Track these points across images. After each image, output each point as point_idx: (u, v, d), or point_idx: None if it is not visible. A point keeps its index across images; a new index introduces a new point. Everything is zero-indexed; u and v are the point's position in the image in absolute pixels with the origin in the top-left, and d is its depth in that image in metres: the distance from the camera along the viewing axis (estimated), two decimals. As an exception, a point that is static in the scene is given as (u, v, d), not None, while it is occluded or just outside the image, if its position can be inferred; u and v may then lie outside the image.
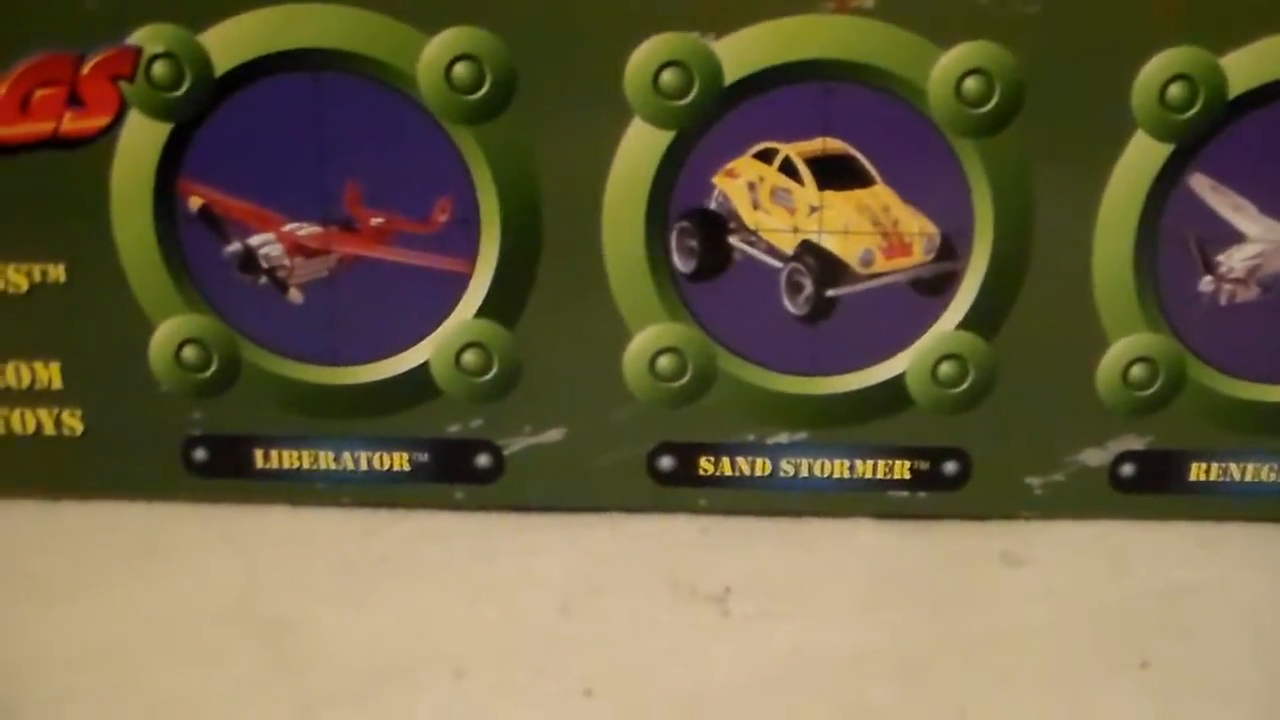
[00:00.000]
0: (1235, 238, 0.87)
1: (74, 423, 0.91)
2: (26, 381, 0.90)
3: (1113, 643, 0.83)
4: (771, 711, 0.79)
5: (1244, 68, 0.84)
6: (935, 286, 0.87)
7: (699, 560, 0.87)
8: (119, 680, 0.82)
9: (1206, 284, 0.87)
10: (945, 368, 0.88)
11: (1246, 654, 0.82)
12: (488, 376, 0.88)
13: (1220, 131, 0.85)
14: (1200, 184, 0.85)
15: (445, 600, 0.85)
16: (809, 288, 0.86)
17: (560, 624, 0.83)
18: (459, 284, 0.87)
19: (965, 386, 0.88)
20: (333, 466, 0.90)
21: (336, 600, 0.85)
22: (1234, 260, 0.87)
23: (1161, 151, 0.84)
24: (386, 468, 0.91)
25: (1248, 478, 0.91)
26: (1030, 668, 0.81)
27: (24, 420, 0.91)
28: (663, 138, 0.84)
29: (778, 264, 0.86)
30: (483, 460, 0.90)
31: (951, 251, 0.86)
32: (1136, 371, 0.88)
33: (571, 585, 0.86)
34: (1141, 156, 0.85)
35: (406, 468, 0.90)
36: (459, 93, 0.83)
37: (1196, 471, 0.91)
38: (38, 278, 0.88)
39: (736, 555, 0.88)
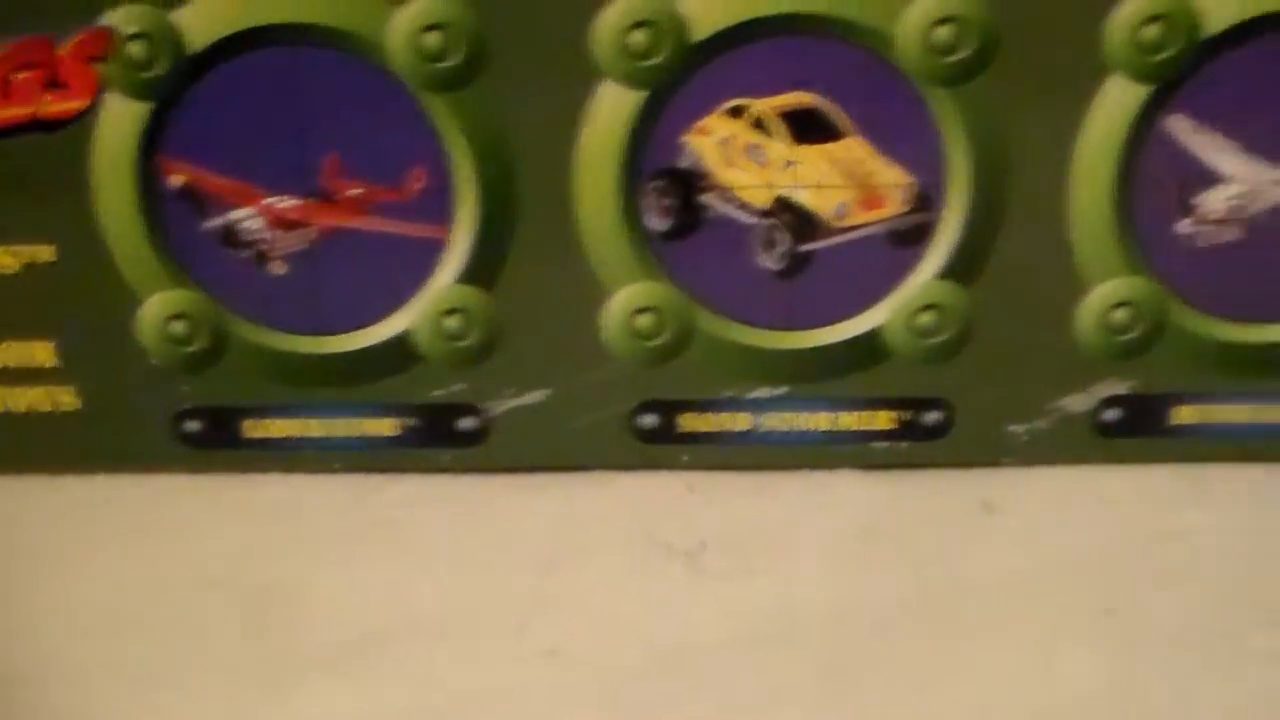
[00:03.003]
0: (1216, 179, 0.82)
1: (70, 399, 0.88)
2: (22, 360, 0.86)
3: (1084, 590, 0.80)
4: (744, 667, 0.77)
5: (1218, 6, 0.79)
6: (911, 238, 0.83)
7: (681, 517, 0.85)
8: (116, 648, 0.81)
9: (1186, 226, 0.83)
10: (924, 318, 0.84)
11: (1218, 601, 0.79)
12: (468, 341, 0.85)
13: (1197, 72, 0.80)
14: (1179, 125, 0.81)
15: (430, 564, 0.83)
16: (784, 243, 0.83)
17: (542, 584, 0.81)
18: (437, 251, 0.84)
19: (944, 336, 0.85)
20: (321, 434, 0.88)
21: (325, 566, 0.83)
22: (1213, 202, 0.82)
23: (1138, 93, 0.81)
24: (374, 434, 0.88)
25: (1233, 419, 0.87)
26: (1001, 617, 0.79)
27: (21, 398, 0.87)
28: (634, 98, 0.81)
29: (752, 220, 0.83)
30: (467, 423, 0.87)
31: (927, 202, 0.82)
32: (1117, 316, 0.84)
33: (555, 546, 0.83)
34: (1118, 99, 0.81)
35: (394, 433, 0.87)
36: (430, 61, 0.80)
37: (1182, 415, 0.87)
38: (28, 259, 0.85)
39: (718, 511, 0.85)
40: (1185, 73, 0.82)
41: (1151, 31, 0.80)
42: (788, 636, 0.78)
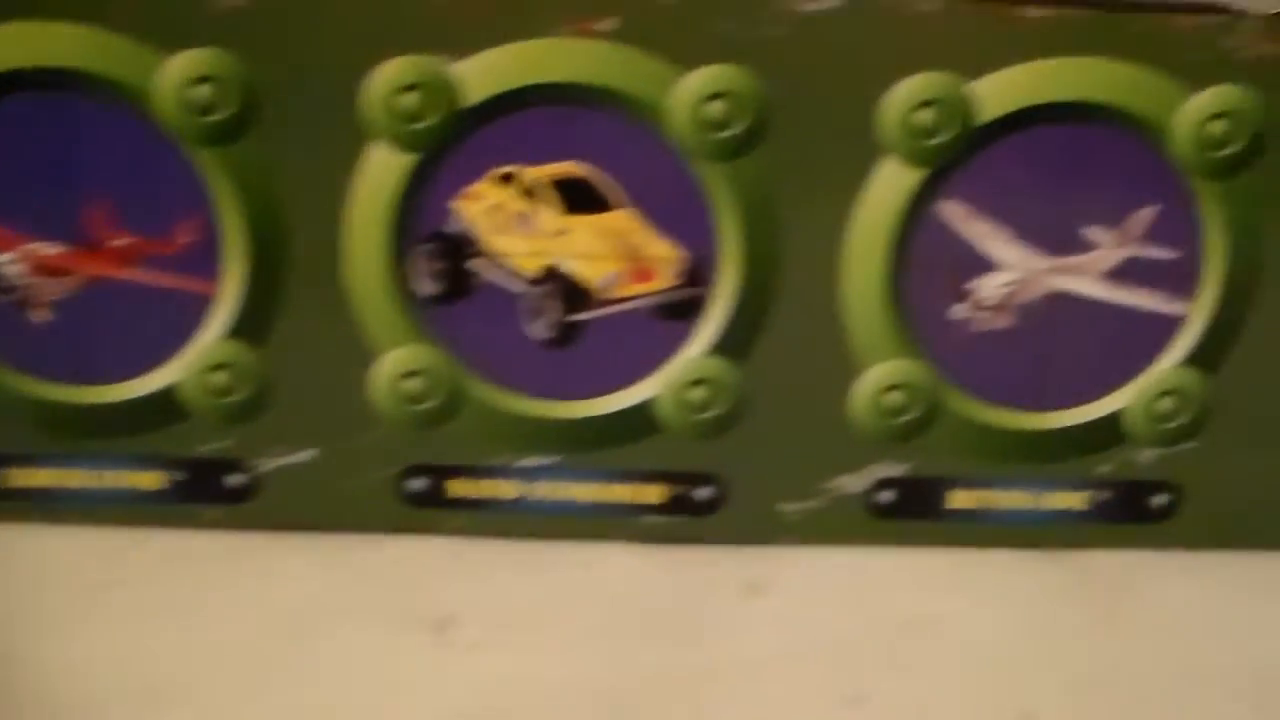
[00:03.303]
0: (988, 265, 0.82)
1: None
2: None
3: (834, 676, 0.78)
4: None
5: (994, 94, 0.79)
6: (682, 312, 0.82)
7: (439, 585, 0.84)
8: None
9: (959, 311, 0.82)
10: (694, 393, 0.83)
11: (966, 691, 0.78)
12: (236, 397, 0.83)
13: (972, 158, 0.79)
14: (952, 211, 0.81)
15: (178, 623, 0.81)
16: (554, 312, 0.82)
17: (285, 649, 0.78)
18: (206, 305, 0.82)
19: (716, 412, 0.84)
20: (87, 485, 0.86)
21: (69, 624, 0.80)
22: (987, 288, 0.82)
23: (911, 177, 0.80)
24: (140, 487, 0.86)
25: (1007, 505, 0.87)
26: (745, 702, 0.77)
27: None
28: (403, 160, 0.79)
29: (521, 288, 0.81)
30: (235, 480, 0.85)
31: (698, 277, 0.81)
32: (891, 398, 0.84)
33: (305, 610, 0.81)
34: (891, 182, 0.81)
35: (160, 487, 0.85)
36: (199, 114, 0.78)
37: (957, 499, 0.86)
38: None
39: (479, 580, 0.84)
40: (959, 159, 0.80)
41: (924, 116, 0.79)
42: (522, 714, 0.76)
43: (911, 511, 0.87)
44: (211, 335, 0.83)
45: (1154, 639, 0.83)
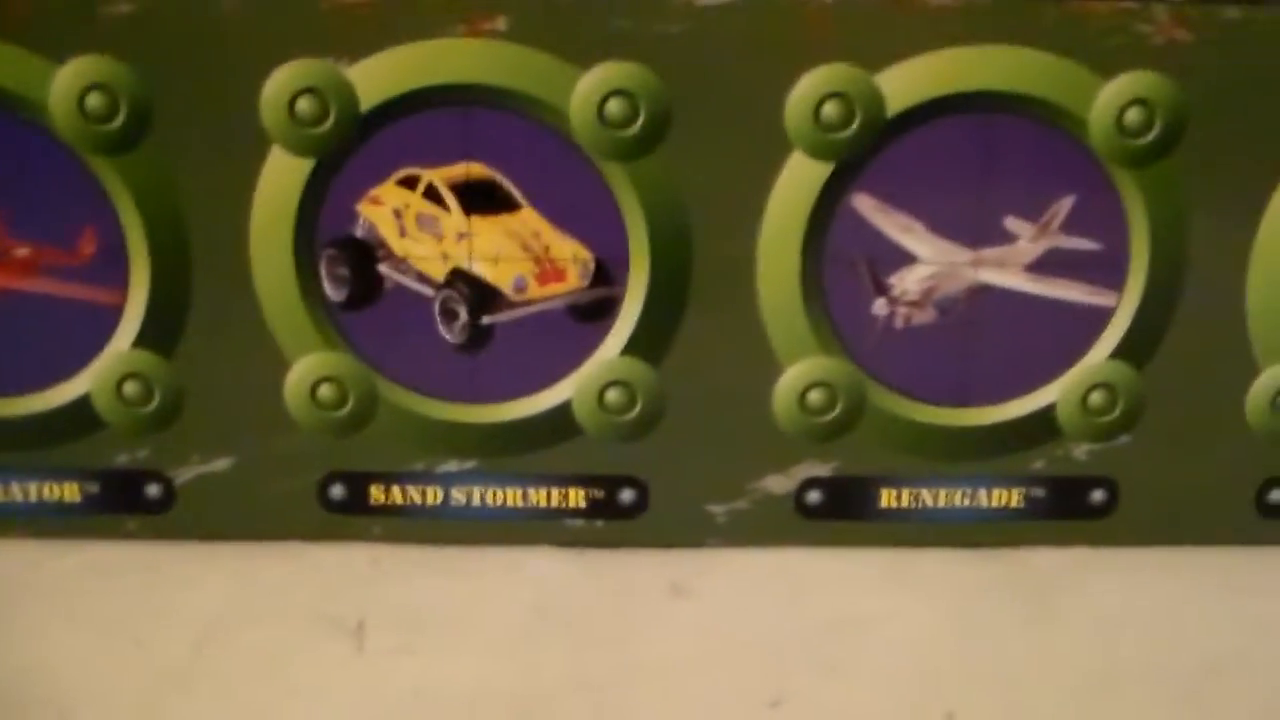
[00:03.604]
0: (906, 259, 0.79)
1: None
2: None
3: (755, 680, 0.77)
4: None
5: (901, 85, 0.77)
6: (594, 312, 0.80)
7: (357, 592, 0.82)
8: None
9: (880, 307, 0.80)
10: (612, 395, 0.81)
11: (885, 693, 0.76)
12: (150, 407, 0.82)
13: (881, 150, 0.77)
14: (864, 204, 0.79)
15: (88, 635, 0.80)
16: (463, 315, 0.80)
17: (192, 661, 0.77)
18: (113, 315, 0.81)
19: (635, 414, 0.82)
20: (2, 498, 0.84)
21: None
22: (907, 282, 0.80)
23: (820, 171, 0.78)
24: (57, 499, 0.85)
25: (939, 503, 0.84)
26: (664, 706, 0.75)
27: None
28: (303, 165, 0.78)
29: (430, 292, 0.80)
30: (153, 490, 0.84)
31: (608, 277, 0.79)
32: (814, 397, 0.82)
33: (218, 619, 0.79)
34: (800, 177, 0.78)
35: (76, 499, 0.84)
36: (93, 123, 0.76)
37: (887, 498, 0.85)
38: None
39: (397, 587, 0.83)
40: (869, 152, 0.78)
41: (831, 109, 0.77)
42: (435, 717, 0.75)
43: (841, 511, 0.85)
44: (121, 345, 0.82)
45: (1090, 638, 0.81)
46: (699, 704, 0.76)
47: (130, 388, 0.82)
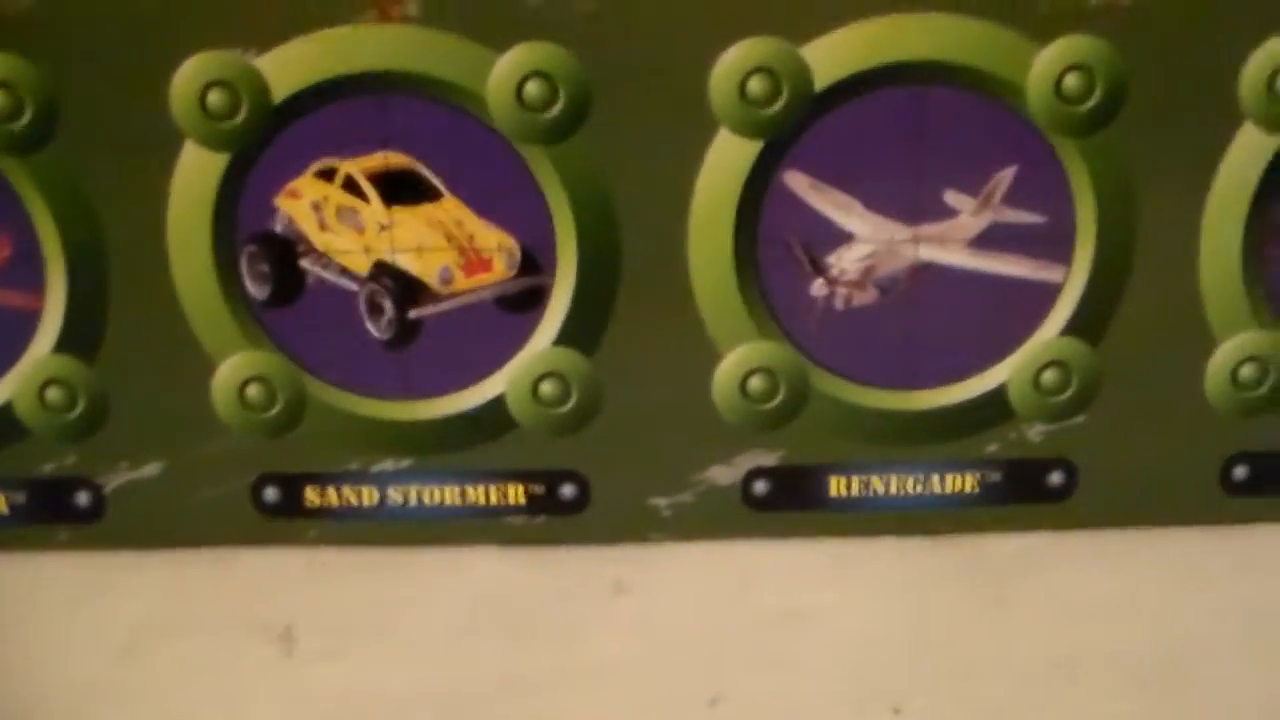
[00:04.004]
0: (844, 238, 0.76)
1: None
2: None
3: (694, 677, 0.73)
4: None
5: (829, 57, 0.74)
6: (523, 303, 0.77)
7: (290, 596, 0.80)
8: None
9: (819, 288, 0.77)
10: (546, 387, 0.78)
11: (826, 688, 0.73)
12: (75, 413, 0.80)
13: (812, 125, 0.74)
14: (797, 182, 0.75)
15: (11, 649, 0.76)
16: (389, 310, 0.77)
17: (116, 670, 0.74)
18: (31, 320, 0.78)
19: (571, 405, 0.79)
20: (-74, 513, 0.82)
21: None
22: (845, 262, 0.76)
23: (749, 149, 0.75)
24: (-18, 511, 0.82)
25: (891, 491, 0.81)
26: (599, 706, 0.72)
27: None
28: (218, 160, 0.76)
29: (354, 286, 0.77)
30: (83, 499, 0.82)
31: (535, 265, 0.76)
32: (755, 383, 0.79)
33: (150, 626, 0.78)
34: (728, 155, 0.75)
35: (5, 510, 0.82)
36: (0, 122, 0.74)
37: (836, 486, 0.81)
38: None
39: (331, 590, 0.81)
40: (799, 127, 0.75)
41: (756, 84, 0.74)
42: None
43: (790, 502, 0.82)
44: (41, 350, 0.80)
45: (1047, 626, 0.78)
46: (636, 704, 0.74)
47: (53, 394, 0.80)
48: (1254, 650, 0.75)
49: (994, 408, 0.80)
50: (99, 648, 0.76)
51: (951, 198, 0.77)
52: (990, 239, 0.77)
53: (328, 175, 0.76)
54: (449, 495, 0.82)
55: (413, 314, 0.78)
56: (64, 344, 0.79)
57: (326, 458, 0.82)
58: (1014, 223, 0.77)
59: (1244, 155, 0.75)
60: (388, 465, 0.82)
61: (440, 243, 0.77)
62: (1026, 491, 0.82)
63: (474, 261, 0.77)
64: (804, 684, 0.73)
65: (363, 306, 0.78)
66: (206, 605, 0.79)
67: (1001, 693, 0.74)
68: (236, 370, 0.79)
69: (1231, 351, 0.79)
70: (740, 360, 0.79)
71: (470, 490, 0.82)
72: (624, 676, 0.74)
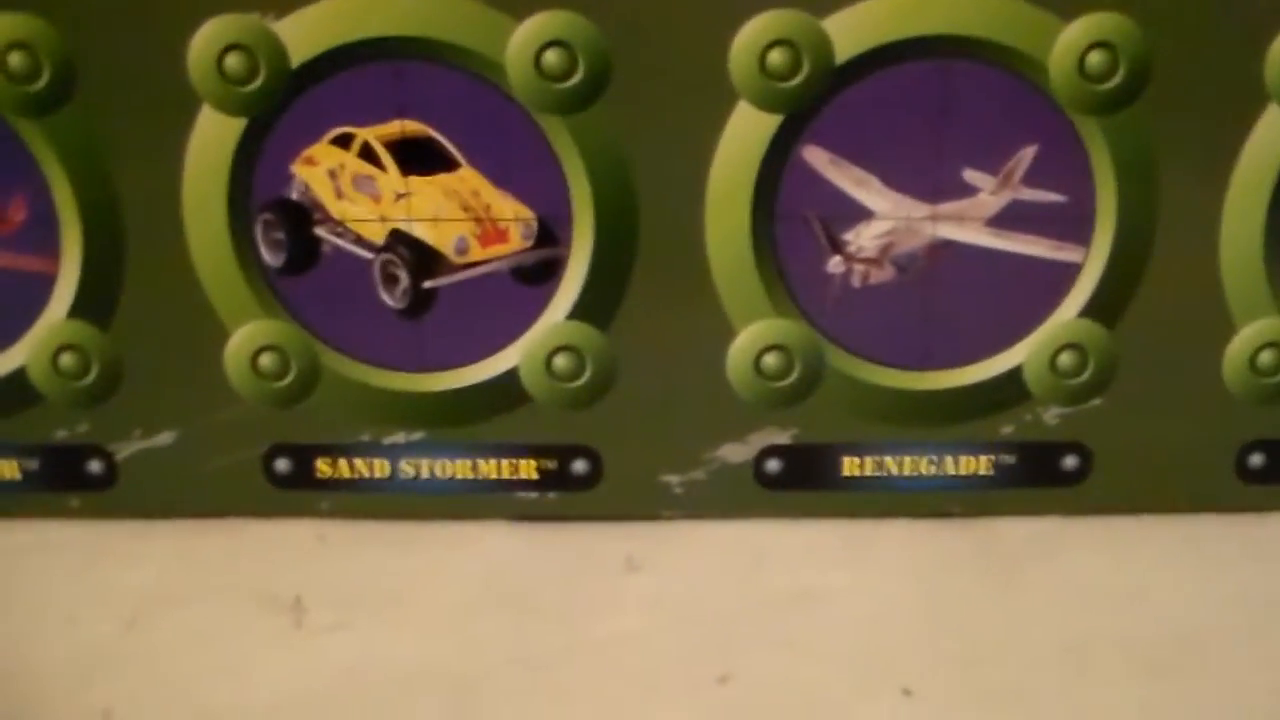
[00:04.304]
0: (862, 214, 0.75)
1: None
2: None
3: (704, 655, 0.73)
4: None
5: (850, 30, 0.73)
6: (539, 275, 0.76)
7: (299, 567, 0.80)
8: None
9: (836, 265, 0.76)
10: (560, 360, 0.77)
11: (833, 668, 0.73)
12: (88, 379, 0.79)
13: (832, 100, 0.73)
14: (816, 157, 0.74)
15: (19, 617, 0.75)
16: (404, 279, 0.76)
17: (123, 639, 0.74)
18: (46, 284, 0.78)
19: (584, 380, 0.78)
20: (-61, 478, 0.81)
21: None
22: (863, 239, 0.75)
23: (769, 123, 0.74)
24: (-5, 477, 0.81)
25: (905, 471, 0.80)
26: (608, 683, 0.72)
27: None
28: (234, 125, 0.75)
29: (369, 255, 0.76)
30: (94, 466, 0.81)
31: (551, 237, 0.75)
32: (770, 360, 0.78)
33: (160, 596, 0.77)
34: (747, 129, 0.75)
35: (18, 476, 0.81)
36: (15, 84, 0.74)
37: (850, 466, 0.80)
38: None
39: (342, 563, 0.80)
40: (819, 102, 0.74)
41: (777, 57, 0.73)
42: (370, 697, 0.71)
43: (802, 481, 0.81)
44: (55, 315, 0.79)
45: (1057, 608, 0.77)
46: (644, 681, 0.73)
47: (67, 360, 0.79)
48: (1267, 638, 0.74)
49: (1010, 389, 0.80)
50: (107, 615, 0.75)
51: (971, 175, 0.76)
52: (1009, 218, 0.76)
53: (344, 142, 0.76)
54: (460, 469, 0.81)
55: (427, 284, 0.77)
56: (78, 309, 0.79)
57: (338, 429, 0.81)
58: (1034, 202, 0.76)
59: (1268, 137, 0.74)
60: (399, 437, 0.81)
61: (456, 213, 0.76)
62: (1041, 475, 0.81)
63: (490, 232, 0.76)
64: (814, 663, 0.72)
65: (377, 276, 0.78)
66: (216, 575, 0.78)
67: (1012, 676, 0.73)
68: (250, 338, 0.79)
69: (1251, 337, 0.78)
70: (755, 337, 0.78)
71: (482, 464, 0.81)
72: (633, 653, 0.73)
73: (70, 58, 0.75)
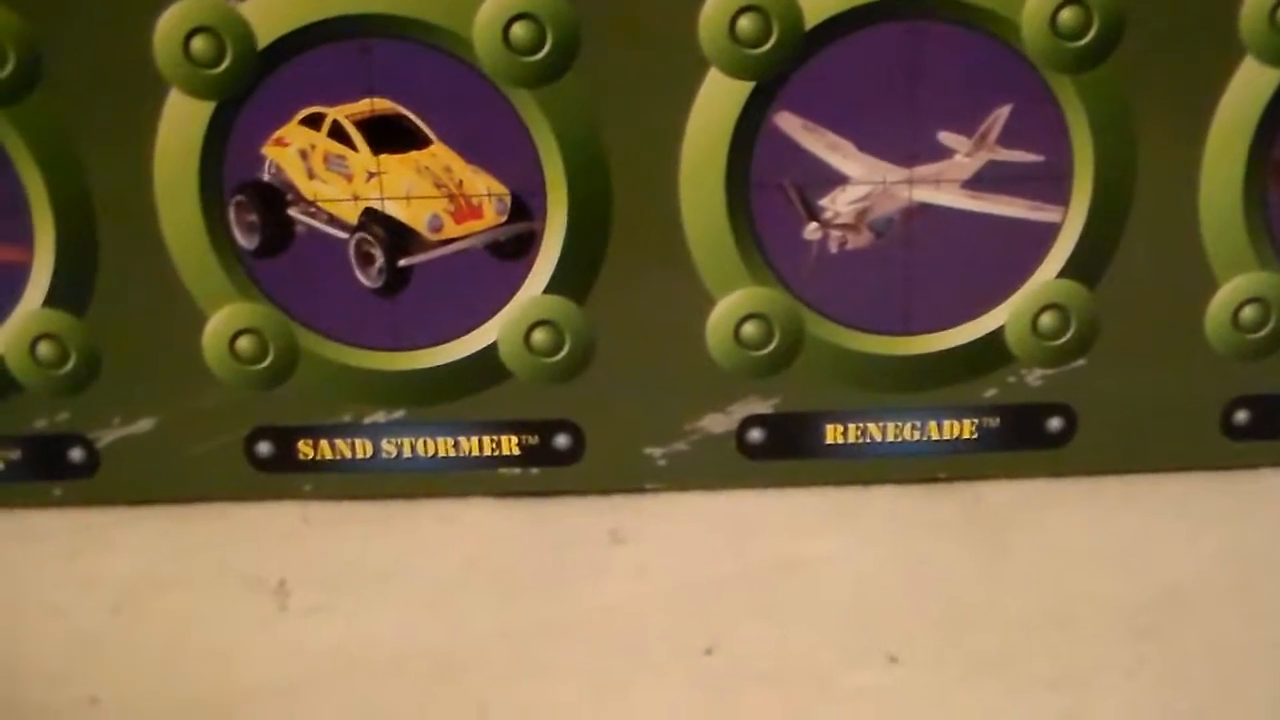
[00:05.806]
0: (837, 179, 0.73)
1: None
2: None
3: (689, 627, 0.71)
4: (291, 712, 0.68)
5: (817, -3, 0.70)
6: (514, 250, 0.74)
7: (283, 550, 0.78)
8: None
9: (813, 231, 0.74)
10: (538, 335, 0.75)
11: (820, 637, 0.71)
12: (67, 368, 0.77)
13: (804, 65, 0.71)
14: (789, 123, 0.72)
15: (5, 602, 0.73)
16: (379, 258, 0.74)
17: (108, 626, 0.72)
18: (21, 273, 0.76)
19: (564, 354, 0.76)
20: (-80, 470, 0.79)
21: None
22: (839, 204, 0.73)
23: (740, 90, 0.72)
24: (-24, 467, 0.79)
25: (889, 437, 0.78)
26: (592, 658, 0.70)
27: None
28: (203, 108, 0.73)
29: (343, 235, 0.74)
30: (76, 455, 0.79)
31: (525, 211, 0.73)
32: (749, 329, 0.76)
33: (145, 581, 0.75)
34: (719, 97, 0.72)
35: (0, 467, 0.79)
36: (-19, 72, 0.71)
37: (833, 434, 0.78)
38: None
39: (325, 542, 0.78)
40: (790, 67, 0.72)
41: (746, 23, 0.71)
42: (357, 677, 0.69)
43: (786, 450, 0.79)
44: (31, 304, 0.77)
45: (1044, 571, 0.75)
46: (632, 653, 0.71)
47: (44, 349, 0.77)
48: (1255, 593, 0.72)
49: (992, 352, 0.78)
50: (93, 603, 0.74)
51: (946, 137, 0.74)
52: (986, 179, 0.74)
53: (314, 122, 0.74)
54: (442, 447, 0.79)
55: (403, 262, 0.75)
56: (54, 298, 0.77)
57: (319, 410, 0.79)
58: (1010, 162, 0.74)
59: (1245, 90, 0.72)
60: (380, 417, 0.79)
61: (429, 190, 0.74)
62: (1025, 437, 0.79)
63: (464, 208, 0.74)
64: (800, 632, 0.70)
65: (352, 255, 0.76)
66: (201, 560, 0.76)
67: (999, 640, 0.71)
68: (227, 322, 0.77)
69: (1233, 293, 0.76)
70: (734, 306, 0.76)
71: (464, 441, 0.79)
72: (620, 626, 0.72)
73: (35, 44, 0.72)
